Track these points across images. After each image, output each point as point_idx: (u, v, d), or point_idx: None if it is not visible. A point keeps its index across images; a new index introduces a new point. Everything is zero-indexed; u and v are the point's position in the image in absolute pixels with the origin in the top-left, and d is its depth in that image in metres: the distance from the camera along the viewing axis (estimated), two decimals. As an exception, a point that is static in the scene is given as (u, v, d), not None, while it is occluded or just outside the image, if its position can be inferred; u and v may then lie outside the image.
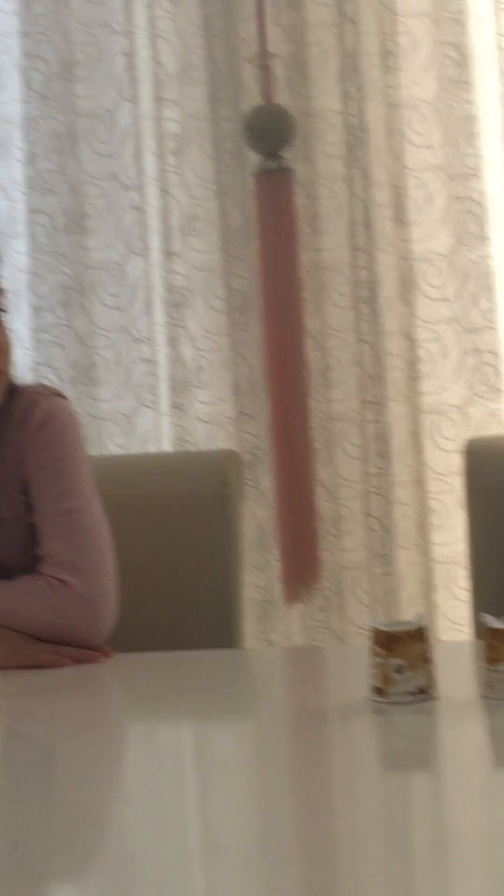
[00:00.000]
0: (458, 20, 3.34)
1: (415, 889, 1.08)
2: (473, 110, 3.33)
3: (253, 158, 3.28)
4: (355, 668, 1.66)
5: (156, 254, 3.38)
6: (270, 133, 3.25)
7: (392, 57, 3.39)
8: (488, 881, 1.04)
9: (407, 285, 3.38)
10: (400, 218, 3.38)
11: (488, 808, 1.27)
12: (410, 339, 3.37)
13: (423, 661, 1.56)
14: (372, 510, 3.40)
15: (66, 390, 2.67)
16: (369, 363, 3.40)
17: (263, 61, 3.32)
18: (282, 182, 3.31)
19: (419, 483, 3.37)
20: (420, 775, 1.42)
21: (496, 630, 1.54)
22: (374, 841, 1.19)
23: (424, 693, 1.56)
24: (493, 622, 1.55)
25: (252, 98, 3.31)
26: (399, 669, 1.55)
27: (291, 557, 3.30)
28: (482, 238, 3.31)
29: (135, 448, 3.37)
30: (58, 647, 1.88)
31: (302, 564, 3.32)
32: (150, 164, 3.39)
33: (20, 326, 3.21)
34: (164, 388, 3.39)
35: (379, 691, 1.56)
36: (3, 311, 2.07)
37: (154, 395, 3.38)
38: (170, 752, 1.59)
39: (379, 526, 3.38)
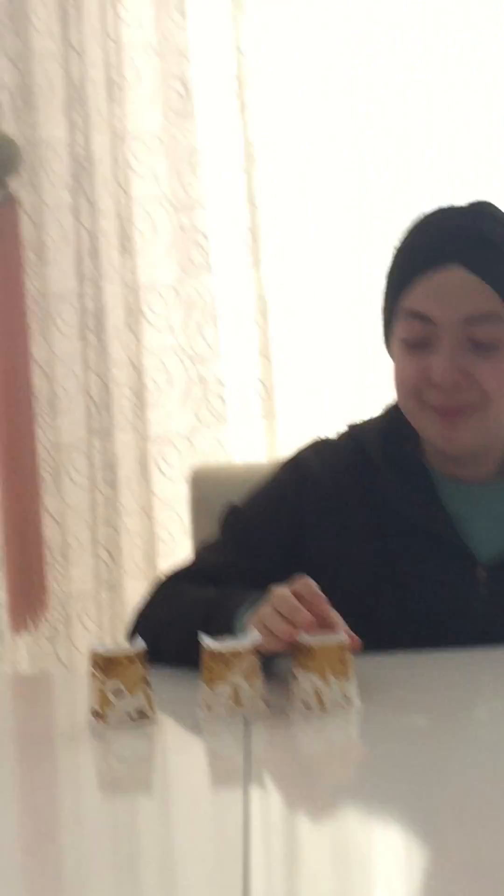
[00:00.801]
0: (182, 53, 3.39)
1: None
2: (197, 142, 3.38)
3: (-23, 186, 3.25)
4: (80, 694, 1.66)
5: None
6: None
7: (117, 88, 3.42)
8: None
9: (133, 314, 3.40)
10: (126, 248, 3.40)
11: (208, 827, 1.28)
12: (136, 368, 3.39)
13: (142, 683, 1.56)
14: (100, 539, 3.40)
15: None
16: (96, 392, 3.40)
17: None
18: (7, 212, 3.30)
19: (146, 512, 3.39)
20: (137, 796, 1.42)
21: (213, 652, 1.56)
22: (94, 863, 1.18)
23: (143, 715, 1.56)
24: (210, 644, 1.57)
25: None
26: (117, 693, 1.55)
27: (18, 586, 3.27)
28: (206, 268, 3.36)
29: None
30: None
31: (29, 593, 3.30)
32: None
33: None
34: None
35: (98, 715, 1.56)
36: None
37: None
38: None
39: (107, 555, 3.39)
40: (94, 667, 1.57)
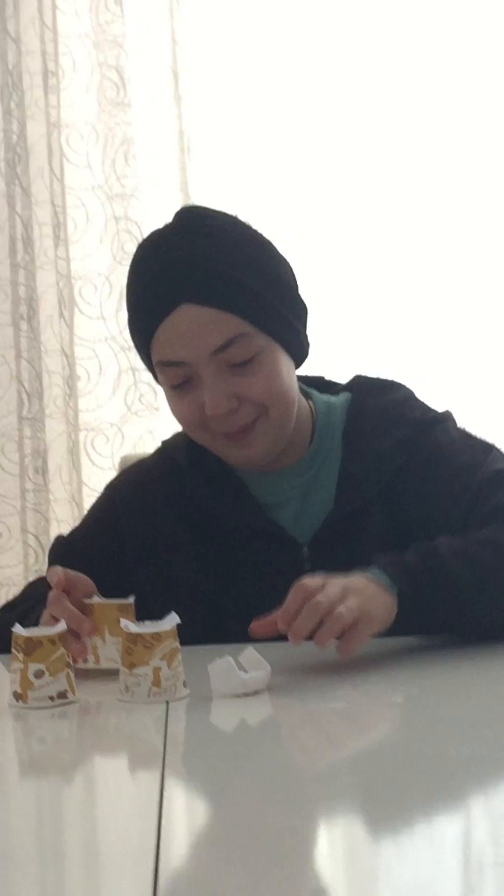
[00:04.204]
0: (118, 44, 3.40)
1: (63, 894, 1.09)
2: (131, 132, 3.39)
3: None
4: (3, 676, 1.68)
5: None
6: None
7: (53, 77, 3.42)
8: (137, 881, 1.07)
9: (66, 303, 3.41)
10: (59, 236, 3.40)
11: (125, 809, 1.29)
12: (68, 357, 3.40)
13: (63, 665, 1.58)
14: (29, 527, 3.40)
15: None
16: (27, 380, 3.40)
17: None
18: None
19: (76, 500, 3.40)
20: (57, 779, 1.43)
21: (133, 634, 1.58)
22: (15, 845, 1.19)
23: (64, 697, 1.58)
24: (131, 626, 1.59)
25: None
26: (38, 674, 1.56)
27: None
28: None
29: None
30: None
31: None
32: None
33: None
34: None
35: (18, 696, 1.57)
36: None
37: None
38: None
39: (36, 543, 3.39)
40: (15, 648, 1.58)
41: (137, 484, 2.02)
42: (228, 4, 3.47)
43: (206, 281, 1.80)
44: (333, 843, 1.17)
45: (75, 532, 2.09)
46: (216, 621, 1.91)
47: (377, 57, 3.50)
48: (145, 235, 1.88)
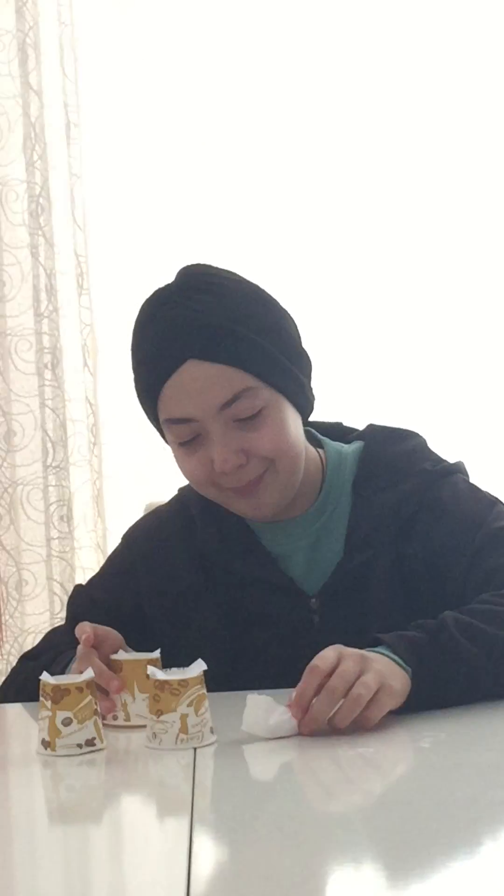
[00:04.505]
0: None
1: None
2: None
3: None
4: (33, 725, 1.68)
5: None
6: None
7: (75, 128, 3.45)
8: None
9: (90, 351, 3.43)
10: (82, 285, 3.43)
11: (155, 856, 1.29)
12: (92, 405, 3.42)
13: (91, 713, 1.58)
14: (54, 574, 3.42)
15: None
16: (52, 428, 3.43)
17: None
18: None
19: (101, 547, 3.41)
20: (86, 826, 1.43)
21: (161, 682, 1.59)
22: (44, 893, 1.20)
23: (91, 745, 1.59)
24: (157, 674, 1.60)
25: None
26: (66, 722, 1.57)
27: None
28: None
29: None
30: None
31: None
32: None
33: None
34: None
35: (46, 744, 1.58)
36: None
37: None
38: None
39: (61, 590, 3.40)
40: (43, 696, 1.59)
41: (152, 533, 2.05)
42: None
43: (211, 337, 1.81)
44: (362, 889, 1.17)
45: (94, 581, 2.11)
46: (230, 669, 1.91)
47: (310, 51, 3.53)
48: (168, 281, 1.90)
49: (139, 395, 1.91)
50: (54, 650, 1.96)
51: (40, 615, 3.43)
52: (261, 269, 1.98)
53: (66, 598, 3.41)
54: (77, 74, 3.47)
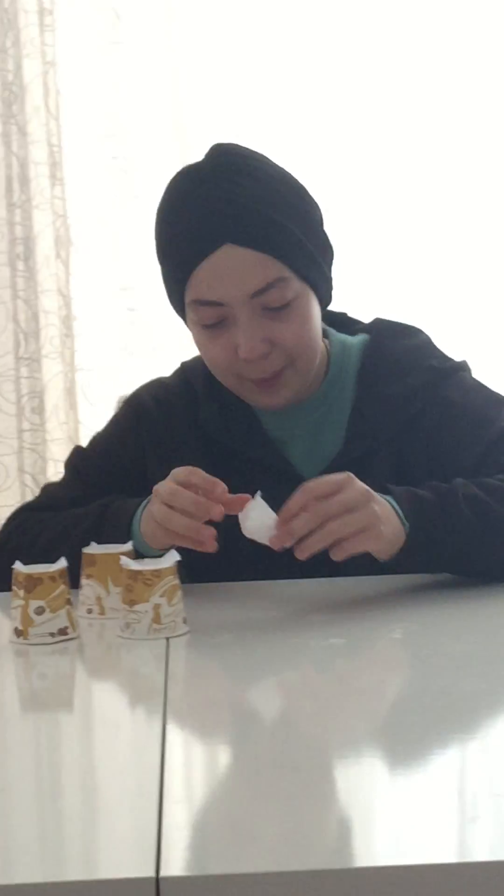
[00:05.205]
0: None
1: (64, 829, 1.10)
2: (126, 70, 3.37)
3: None
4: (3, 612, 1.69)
5: None
6: None
7: (49, 15, 3.39)
8: (135, 819, 1.08)
9: (63, 243, 3.39)
10: (56, 176, 3.39)
11: (127, 745, 1.30)
12: (65, 297, 3.39)
13: (63, 602, 1.58)
14: (26, 467, 3.41)
15: None
16: (24, 320, 3.40)
17: None
18: None
19: (72, 440, 3.40)
20: (58, 714, 1.44)
21: (134, 572, 1.58)
22: (15, 779, 1.20)
23: (64, 634, 1.59)
24: (131, 564, 1.59)
25: None
26: (39, 611, 1.57)
27: None
28: (135, 197, 3.36)
29: None
30: None
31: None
32: None
33: None
34: None
35: (19, 633, 1.58)
36: None
37: None
38: None
39: (33, 482, 3.40)
40: (16, 585, 1.58)
41: (157, 400, 2.00)
42: None
43: (251, 222, 1.79)
44: (333, 776, 1.18)
45: (93, 442, 2.07)
46: (222, 549, 1.88)
47: (372, 39, 3.49)
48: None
49: (165, 274, 1.88)
50: (102, 504, 1.90)
51: (12, 507, 3.41)
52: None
53: (37, 490, 3.41)
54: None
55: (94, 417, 3.36)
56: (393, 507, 1.70)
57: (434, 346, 2.00)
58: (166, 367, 2.05)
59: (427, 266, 3.54)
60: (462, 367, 1.98)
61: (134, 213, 3.36)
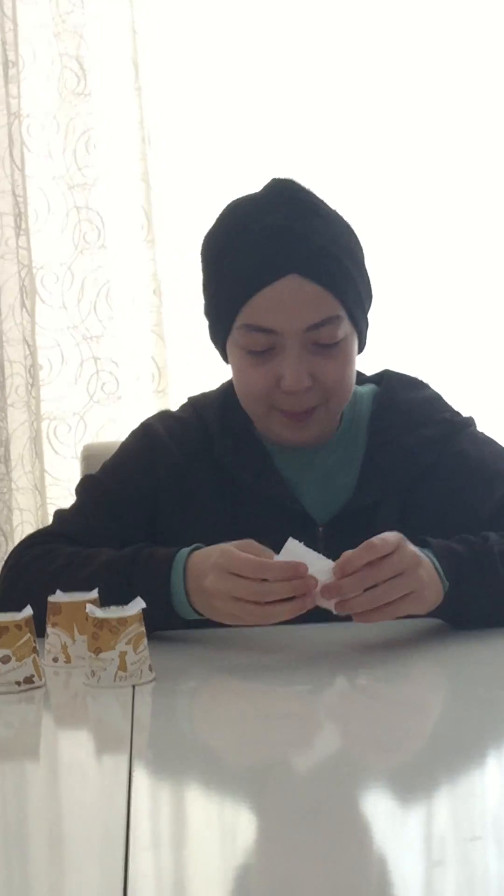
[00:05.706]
0: (77, 33, 3.40)
1: (30, 877, 1.10)
2: (92, 121, 3.40)
3: None
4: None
5: None
6: None
7: (13, 67, 3.41)
8: (102, 866, 1.08)
9: (28, 293, 3.40)
10: (20, 226, 3.41)
11: (93, 793, 1.30)
12: (30, 346, 3.40)
13: (29, 650, 1.59)
14: (-9, 516, 3.40)
15: None
16: (-11, 370, 3.40)
17: None
18: None
19: (38, 489, 3.40)
20: (24, 763, 1.44)
21: (99, 620, 1.59)
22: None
23: (30, 682, 1.59)
24: (96, 612, 1.60)
25: None
26: (5, 659, 1.57)
27: None
28: (100, 247, 3.37)
29: None
30: None
31: None
32: None
33: None
34: None
35: (-16, 682, 1.58)
36: None
37: None
38: None
39: (-1, 532, 3.39)
40: (-20, 634, 1.59)
41: (170, 431, 1.99)
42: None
43: (318, 256, 1.83)
44: (300, 820, 1.19)
45: (105, 470, 2.02)
46: None
47: (343, 51, 3.50)
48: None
49: (219, 297, 1.89)
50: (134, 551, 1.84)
51: (-24, 556, 3.41)
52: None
53: (2, 539, 3.41)
54: (15, 12, 3.42)
55: (60, 466, 3.37)
56: (434, 564, 1.72)
57: (444, 401, 2.03)
58: (132, 417, 2.05)
59: (425, 312, 3.52)
60: (471, 423, 2.01)
61: (99, 262, 3.37)
